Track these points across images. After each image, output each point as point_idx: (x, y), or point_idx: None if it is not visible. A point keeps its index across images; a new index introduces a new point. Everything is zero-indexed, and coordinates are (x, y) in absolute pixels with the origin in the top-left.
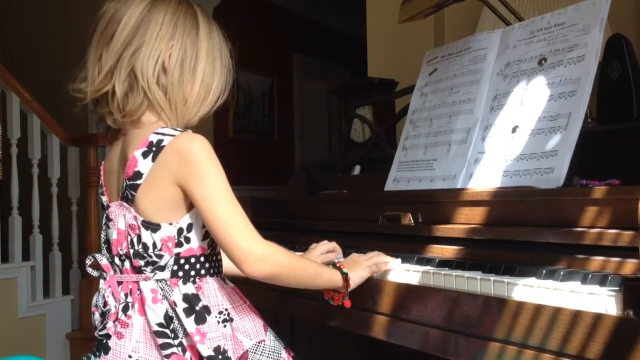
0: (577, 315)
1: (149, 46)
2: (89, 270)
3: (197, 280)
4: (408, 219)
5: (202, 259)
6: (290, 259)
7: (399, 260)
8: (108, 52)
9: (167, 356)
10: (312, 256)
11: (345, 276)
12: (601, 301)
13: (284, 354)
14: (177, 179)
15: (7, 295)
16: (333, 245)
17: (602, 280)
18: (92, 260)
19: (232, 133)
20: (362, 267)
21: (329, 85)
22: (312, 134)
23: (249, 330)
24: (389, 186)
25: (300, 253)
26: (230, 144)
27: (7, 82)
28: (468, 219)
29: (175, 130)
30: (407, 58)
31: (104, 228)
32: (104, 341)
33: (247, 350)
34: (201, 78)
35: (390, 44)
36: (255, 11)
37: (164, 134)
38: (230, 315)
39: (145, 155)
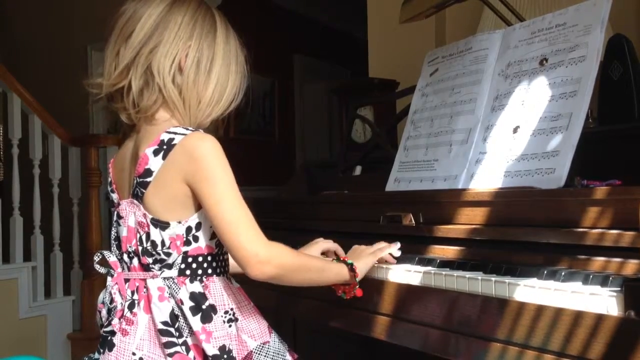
0: (578, 315)
1: (166, 45)
2: (97, 267)
3: (204, 279)
4: (409, 220)
5: (209, 258)
6: (294, 259)
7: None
8: (126, 48)
9: (171, 355)
10: (312, 251)
11: (351, 266)
12: (602, 302)
13: (288, 357)
14: (186, 177)
15: (8, 296)
16: (335, 247)
17: (604, 281)
18: (100, 257)
19: (233, 133)
20: (365, 254)
21: (330, 85)
22: (313, 134)
23: (254, 331)
24: (390, 186)
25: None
26: (231, 144)
27: (8, 83)
28: (469, 219)
29: (187, 129)
30: (408, 58)
31: (114, 225)
32: (109, 338)
33: (252, 351)
34: (216, 80)
35: (391, 44)
36: (255, 11)
37: (175, 133)
38: (236, 315)
39: (156, 153)
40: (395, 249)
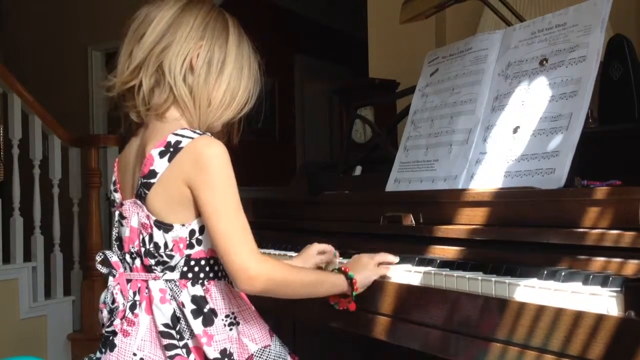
0: (578, 316)
1: (178, 44)
2: (99, 266)
3: (205, 282)
4: (409, 220)
5: (211, 261)
6: (284, 275)
7: (397, 258)
8: (138, 48)
9: (171, 357)
10: (307, 255)
11: (350, 280)
12: (602, 302)
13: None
14: (188, 180)
15: (9, 296)
16: (328, 247)
17: (604, 281)
18: (102, 257)
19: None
20: (368, 269)
21: (331, 85)
22: (314, 134)
23: (255, 334)
24: (390, 187)
25: (295, 254)
26: (233, 145)
27: (9, 83)
28: (469, 219)
29: (195, 132)
30: (408, 59)
31: (116, 225)
32: (110, 338)
33: (252, 355)
34: (227, 82)
35: (391, 45)
36: (256, 11)
37: (183, 136)
38: (237, 319)
39: (162, 155)
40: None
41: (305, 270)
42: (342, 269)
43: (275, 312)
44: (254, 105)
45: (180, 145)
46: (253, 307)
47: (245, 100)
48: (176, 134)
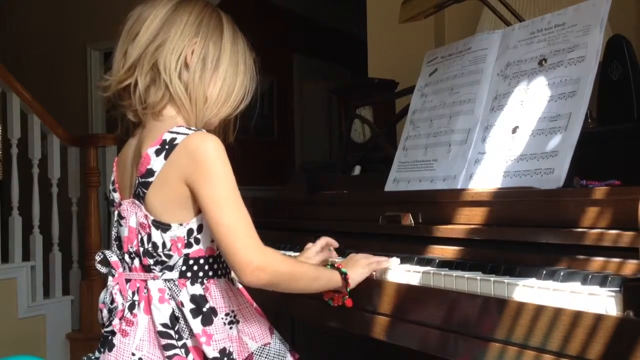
0: (577, 315)
1: (172, 42)
2: (98, 266)
3: (204, 281)
4: (408, 220)
5: (210, 260)
6: (289, 267)
7: (398, 259)
8: (133, 47)
9: (170, 357)
10: (308, 255)
11: (344, 275)
12: (601, 302)
13: (289, 357)
14: (186, 177)
15: (7, 296)
16: (326, 240)
17: (603, 281)
18: (101, 256)
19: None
20: (360, 265)
21: (329, 85)
22: (313, 134)
23: (255, 332)
24: (389, 186)
25: (297, 254)
26: (230, 144)
27: (8, 82)
28: (468, 219)
29: (189, 129)
30: (407, 58)
31: (115, 225)
32: (109, 338)
33: (252, 353)
34: (223, 78)
35: (390, 45)
36: (254, 11)
37: (177, 133)
38: (237, 317)
39: (158, 153)
40: (394, 263)
41: (304, 265)
42: (336, 265)
43: (274, 309)
44: (250, 103)
45: (175, 142)
46: (255, 304)
47: (241, 96)
48: (171, 132)
